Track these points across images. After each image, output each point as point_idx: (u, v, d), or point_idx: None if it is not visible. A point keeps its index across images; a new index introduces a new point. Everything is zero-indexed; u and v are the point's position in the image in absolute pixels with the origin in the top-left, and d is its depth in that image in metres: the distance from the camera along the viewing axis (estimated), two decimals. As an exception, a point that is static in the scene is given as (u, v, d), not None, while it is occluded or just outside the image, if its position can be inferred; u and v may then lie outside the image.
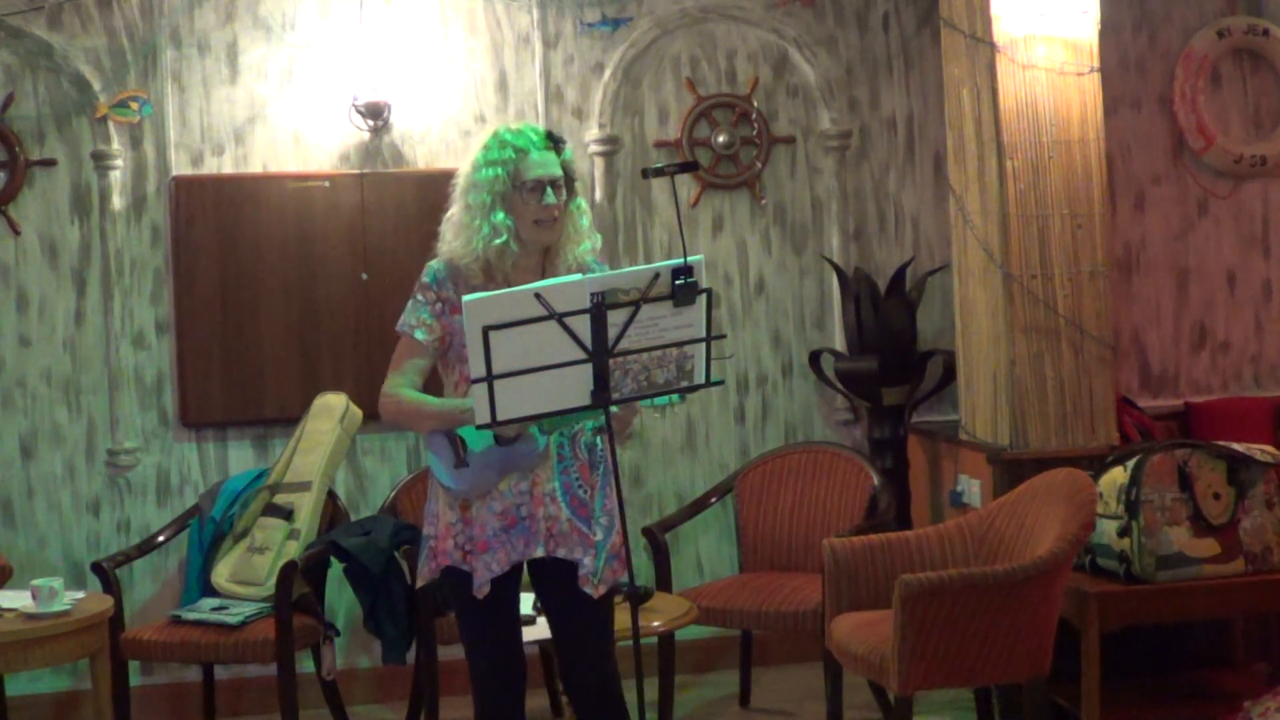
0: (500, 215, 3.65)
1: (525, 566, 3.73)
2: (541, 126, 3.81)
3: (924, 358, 6.05)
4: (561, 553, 3.66)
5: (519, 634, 3.81)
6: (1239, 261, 6.20)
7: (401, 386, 3.70)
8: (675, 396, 3.47)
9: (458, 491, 3.65)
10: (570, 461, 3.68)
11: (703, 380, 3.43)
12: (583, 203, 3.77)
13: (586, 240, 3.76)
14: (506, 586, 3.71)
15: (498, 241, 3.64)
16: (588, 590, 3.66)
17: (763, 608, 5.30)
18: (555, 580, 3.70)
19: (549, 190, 3.65)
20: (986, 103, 5.30)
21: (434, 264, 3.74)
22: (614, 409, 3.48)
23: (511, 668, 3.76)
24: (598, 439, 3.72)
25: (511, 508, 3.64)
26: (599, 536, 3.68)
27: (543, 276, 3.69)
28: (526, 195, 3.65)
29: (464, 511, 3.67)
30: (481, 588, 3.65)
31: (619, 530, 3.71)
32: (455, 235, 3.71)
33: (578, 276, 3.35)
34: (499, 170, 3.65)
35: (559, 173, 3.68)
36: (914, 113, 6.33)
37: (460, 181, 3.74)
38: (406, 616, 5.22)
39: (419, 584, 3.85)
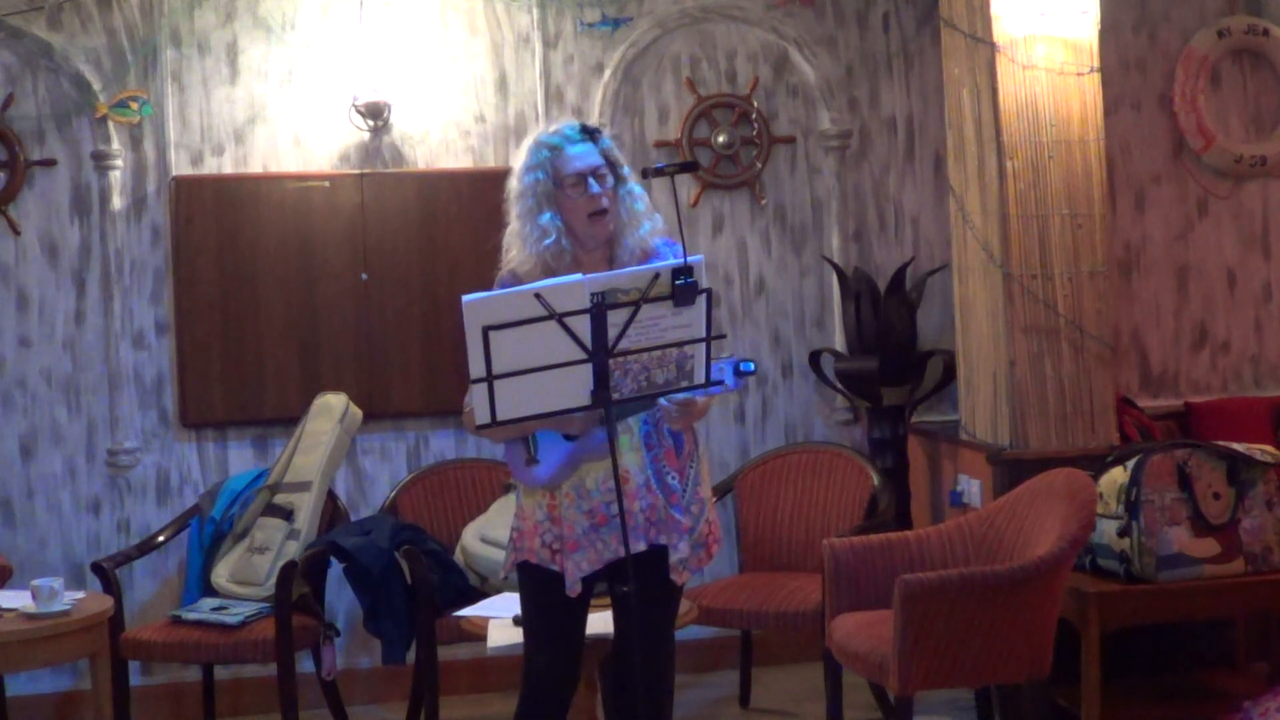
0: (547, 216, 3.64)
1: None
2: (577, 121, 3.77)
3: (924, 358, 6.04)
4: (662, 540, 3.64)
5: (583, 637, 3.79)
6: (1239, 261, 6.20)
7: None
8: (749, 365, 3.51)
9: (533, 485, 3.64)
10: (658, 449, 3.68)
11: (703, 380, 3.43)
12: (635, 187, 3.74)
13: (645, 222, 3.74)
14: (586, 587, 3.70)
15: (547, 242, 3.64)
16: (673, 578, 3.66)
17: (763, 608, 5.30)
18: (641, 569, 3.58)
19: (591, 181, 3.64)
20: (986, 103, 5.30)
21: (501, 275, 3.73)
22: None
23: (567, 668, 3.75)
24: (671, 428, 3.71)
25: (601, 505, 3.63)
26: (689, 524, 3.69)
27: (610, 267, 3.66)
28: (570, 190, 3.64)
29: (552, 510, 3.66)
30: (573, 587, 3.64)
31: (708, 520, 3.73)
32: (513, 245, 3.71)
33: (578, 276, 3.35)
34: (539, 173, 3.65)
35: (599, 161, 3.66)
36: (914, 113, 6.33)
37: (511, 191, 3.73)
38: (406, 616, 5.22)
39: (500, 575, 3.83)
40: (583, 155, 3.65)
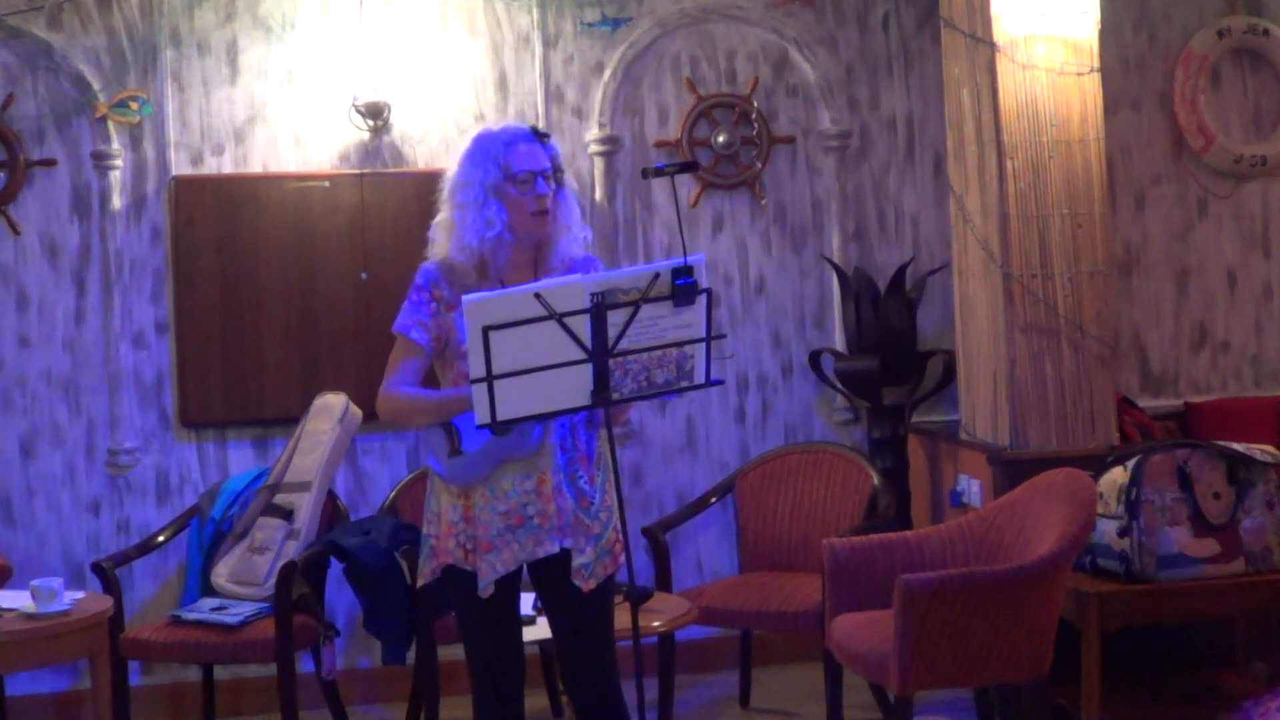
0: (493, 207, 3.67)
1: (525, 565, 3.74)
2: (523, 125, 3.83)
3: (924, 358, 6.04)
4: (569, 544, 3.65)
5: (519, 634, 3.81)
6: (1239, 261, 6.20)
7: (399, 385, 3.71)
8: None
9: (451, 480, 3.66)
10: (572, 453, 3.68)
11: (703, 380, 3.43)
12: (571, 196, 3.79)
13: (577, 231, 3.78)
14: (507, 586, 3.71)
15: (490, 234, 3.66)
16: (578, 583, 3.66)
17: (763, 608, 5.30)
18: (552, 576, 3.71)
19: (540, 180, 3.68)
20: (986, 103, 5.30)
21: (427, 265, 3.76)
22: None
23: (510, 668, 3.76)
24: (594, 433, 3.73)
25: (517, 507, 3.64)
26: (596, 530, 3.69)
27: (535, 272, 3.71)
28: (518, 186, 3.68)
29: (467, 511, 3.67)
30: (486, 588, 3.65)
31: (616, 526, 3.72)
32: (446, 236, 3.75)
33: (578, 277, 3.35)
34: (489, 165, 3.69)
35: (548, 164, 3.71)
36: (914, 113, 6.32)
37: (447, 185, 3.77)
38: (406, 616, 5.22)
39: (420, 583, 3.84)
40: (533, 154, 3.70)
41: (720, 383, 3.52)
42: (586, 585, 3.67)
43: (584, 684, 3.76)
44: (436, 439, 3.64)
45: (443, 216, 3.77)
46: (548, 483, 3.63)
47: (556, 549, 3.65)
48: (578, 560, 3.67)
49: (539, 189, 3.67)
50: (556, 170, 3.74)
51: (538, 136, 3.74)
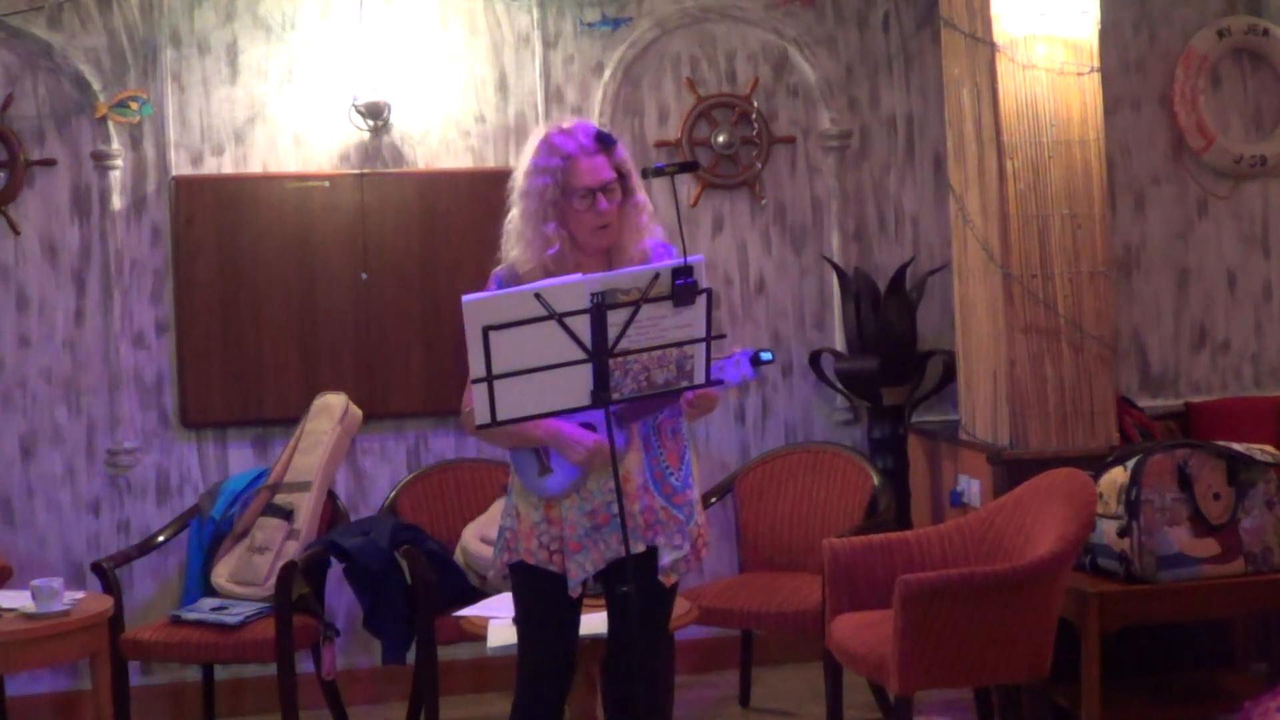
0: (552, 226, 3.62)
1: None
2: (594, 124, 3.72)
3: (924, 358, 6.05)
4: (661, 540, 3.65)
5: (576, 635, 3.79)
6: (1239, 261, 6.21)
7: None
8: (768, 354, 3.50)
9: (547, 497, 3.64)
10: (658, 450, 3.68)
11: (702, 380, 3.43)
12: (641, 198, 3.70)
13: (647, 235, 3.73)
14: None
15: (550, 251, 3.62)
16: (660, 579, 3.65)
17: (763, 608, 5.30)
18: (635, 569, 3.60)
19: (600, 197, 3.62)
20: (986, 103, 5.30)
21: (499, 271, 3.72)
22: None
23: (561, 667, 3.76)
24: (679, 424, 3.72)
25: (602, 506, 3.63)
26: (682, 521, 3.69)
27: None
28: (579, 203, 3.62)
29: (549, 511, 3.66)
30: (575, 588, 3.65)
31: (697, 521, 3.73)
32: (515, 244, 3.69)
33: (577, 276, 3.35)
34: (548, 178, 3.62)
35: (610, 176, 3.63)
36: (914, 113, 6.32)
37: (515, 185, 3.70)
38: (406, 616, 5.22)
39: (490, 575, 3.82)
40: (595, 169, 3.62)
41: (720, 382, 3.50)
42: (668, 580, 3.68)
43: (636, 679, 3.71)
44: (524, 457, 3.65)
45: (513, 218, 3.69)
46: (632, 482, 3.63)
47: (644, 547, 3.63)
48: (669, 556, 3.66)
49: (600, 205, 3.62)
50: (622, 176, 3.65)
51: (602, 144, 3.64)
